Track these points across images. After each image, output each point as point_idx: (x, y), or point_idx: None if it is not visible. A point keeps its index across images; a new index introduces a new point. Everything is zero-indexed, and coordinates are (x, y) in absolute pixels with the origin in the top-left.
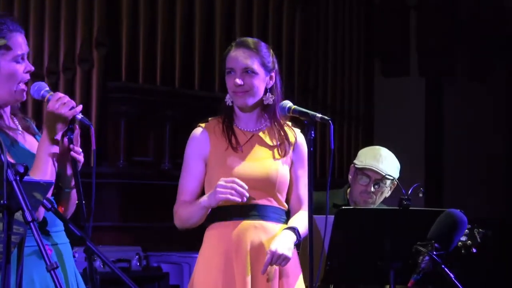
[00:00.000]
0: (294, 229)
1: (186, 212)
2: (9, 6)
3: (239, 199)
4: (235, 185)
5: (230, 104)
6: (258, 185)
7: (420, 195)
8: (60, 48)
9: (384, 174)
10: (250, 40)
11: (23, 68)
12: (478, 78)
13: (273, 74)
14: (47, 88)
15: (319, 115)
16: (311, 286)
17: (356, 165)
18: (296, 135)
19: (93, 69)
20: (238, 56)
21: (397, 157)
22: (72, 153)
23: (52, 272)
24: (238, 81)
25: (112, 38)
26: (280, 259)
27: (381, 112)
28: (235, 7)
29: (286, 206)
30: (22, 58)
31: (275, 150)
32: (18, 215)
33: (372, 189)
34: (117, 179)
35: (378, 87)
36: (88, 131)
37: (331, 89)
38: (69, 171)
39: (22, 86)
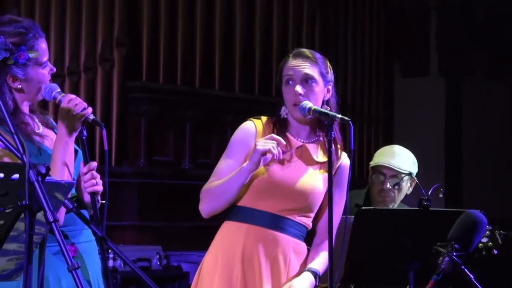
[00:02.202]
0: (315, 273)
1: (221, 185)
2: (30, 7)
3: (277, 156)
4: (274, 140)
5: (285, 116)
6: (289, 195)
7: (441, 195)
8: (81, 48)
9: (396, 168)
10: (307, 50)
11: (48, 71)
12: (498, 78)
13: (330, 86)
14: (58, 90)
15: (339, 115)
16: (331, 286)
17: (370, 165)
18: (342, 158)
19: (113, 69)
20: (298, 65)
21: (416, 157)
22: (87, 187)
23: (73, 272)
24: (299, 88)
25: (132, 38)
26: None
27: (401, 112)
28: (255, 9)
29: (310, 226)
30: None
31: (319, 166)
32: (39, 215)
33: (389, 186)
34: (138, 178)
35: (397, 87)
36: (106, 131)
37: (351, 90)
38: (86, 198)
39: (44, 85)
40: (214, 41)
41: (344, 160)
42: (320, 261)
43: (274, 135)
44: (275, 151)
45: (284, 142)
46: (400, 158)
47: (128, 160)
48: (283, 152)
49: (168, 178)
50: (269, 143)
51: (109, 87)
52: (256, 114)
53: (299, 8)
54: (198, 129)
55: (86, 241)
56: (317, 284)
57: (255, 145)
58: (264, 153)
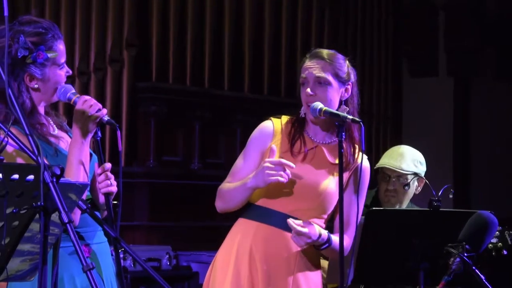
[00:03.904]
0: (328, 235)
1: (230, 192)
2: (40, 8)
3: (286, 181)
4: (282, 167)
5: (303, 116)
6: (300, 195)
7: (450, 196)
8: (91, 49)
9: (398, 170)
10: (324, 51)
11: (64, 72)
12: (506, 78)
13: (348, 86)
14: (73, 91)
15: (350, 116)
16: (342, 286)
17: (374, 167)
18: (361, 159)
19: (123, 69)
20: (311, 67)
21: (424, 156)
22: (102, 188)
23: (88, 272)
24: (309, 91)
25: (142, 39)
26: (302, 234)
27: (409, 112)
28: (264, 7)
29: (323, 227)
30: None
31: (334, 167)
32: (53, 216)
33: (392, 187)
34: (147, 178)
35: (406, 87)
36: (115, 132)
37: (359, 90)
38: (101, 199)
39: (59, 86)
40: (223, 42)
41: (363, 162)
42: (334, 236)
43: (282, 160)
44: (283, 180)
45: (293, 166)
46: (403, 160)
47: (138, 160)
48: (298, 153)
49: (178, 178)
50: (278, 173)
51: (119, 88)
52: (265, 115)
53: (308, 8)
54: (207, 129)
55: (99, 243)
56: (326, 244)
57: (262, 165)
58: (273, 181)
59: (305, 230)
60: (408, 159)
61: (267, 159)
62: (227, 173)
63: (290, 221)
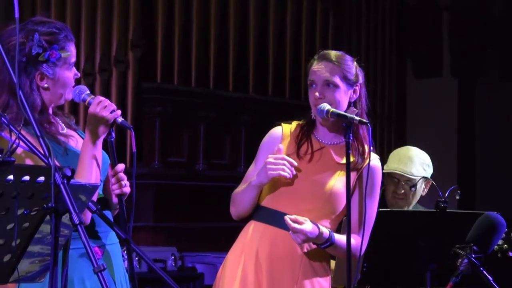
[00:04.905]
0: (330, 232)
1: (239, 196)
2: (46, 9)
3: (289, 175)
4: (285, 161)
5: (314, 118)
6: (306, 196)
7: (457, 197)
8: (96, 50)
9: (409, 176)
10: (332, 53)
11: (73, 74)
12: (510, 78)
13: (357, 87)
14: (88, 92)
15: (358, 117)
16: (349, 286)
17: (384, 169)
18: (369, 159)
19: (128, 70)
20: (319, 69)
21: (429, 157)
22: (115, 189)
23: (99, 274)
24: (317, 94)
25: (147, 40)
26: (297, 231)
27: (414, 113)
28: (269, 10)
29: (328, 227)
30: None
31: (341, 167)
32: (63, 217)
33: (402, 190)
34: (152, 179)
35: (410, 88)
36: (124, 134)
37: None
38: (114, 199)
39: (68, 89)
40: (228, 43)
41: (373, 161)
42: (340, 235)
43: (285, 156)
44: (285, 174)
45: (295, 163)
46: (412, 164)
47: (143, 161)
48: (304, 154)
49: (182, 179)
50: (280, 166)
51: (124, 89)
52: (270, 116)
53: (313, 9)
54: (212, 130)
55: (112, 243)
56: (327, 242)
57: (265, 162)
58: (275, 176)
59: (299, 227)
60: (417, 164)
61: (270, 155)
62: (231, 174)
63: (287, 217)
